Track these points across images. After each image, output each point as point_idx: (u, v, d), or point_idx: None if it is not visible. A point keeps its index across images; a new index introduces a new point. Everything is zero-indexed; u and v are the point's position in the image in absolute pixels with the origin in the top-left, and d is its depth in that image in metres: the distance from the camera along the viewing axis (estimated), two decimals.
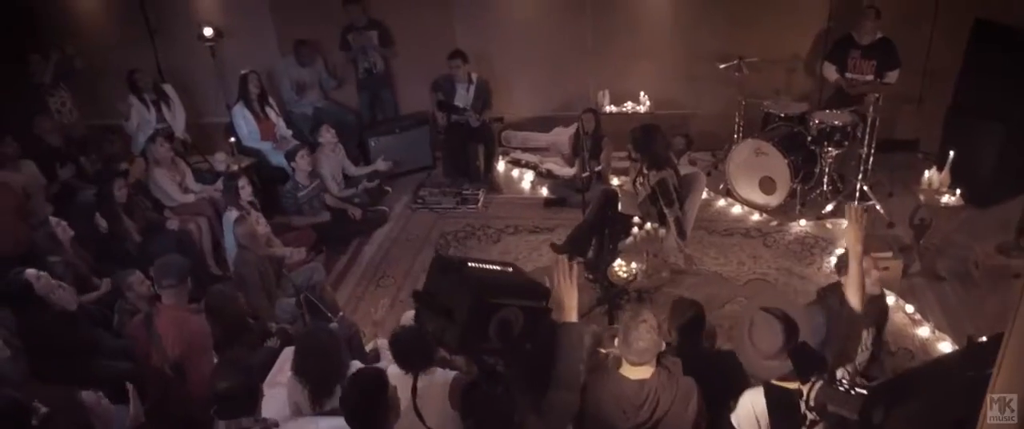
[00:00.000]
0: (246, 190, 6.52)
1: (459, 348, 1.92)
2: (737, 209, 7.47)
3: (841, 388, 2.89)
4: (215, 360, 4.51)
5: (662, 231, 5.44)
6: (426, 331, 2.08)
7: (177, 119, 7.98)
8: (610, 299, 5.27)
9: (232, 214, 6.45)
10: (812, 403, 2.91)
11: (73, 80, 8.09)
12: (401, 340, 3.79)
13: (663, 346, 3.33)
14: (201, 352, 4.36)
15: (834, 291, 4.08)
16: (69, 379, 4.42)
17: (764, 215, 7.33)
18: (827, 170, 7.19)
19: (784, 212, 7.29)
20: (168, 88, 8.00)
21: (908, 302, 5.83)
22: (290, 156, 7.29)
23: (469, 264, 2.00)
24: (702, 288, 6.10)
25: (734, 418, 3.22)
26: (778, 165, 7.07)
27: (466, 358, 4.28)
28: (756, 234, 7.07)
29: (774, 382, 3.09)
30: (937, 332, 5.55)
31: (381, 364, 4.17)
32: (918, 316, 5.72)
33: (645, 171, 5.91)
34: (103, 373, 4.82)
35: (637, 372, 3.31)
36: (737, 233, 7.08)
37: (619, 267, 5.48)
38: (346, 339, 4.94)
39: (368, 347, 5.23)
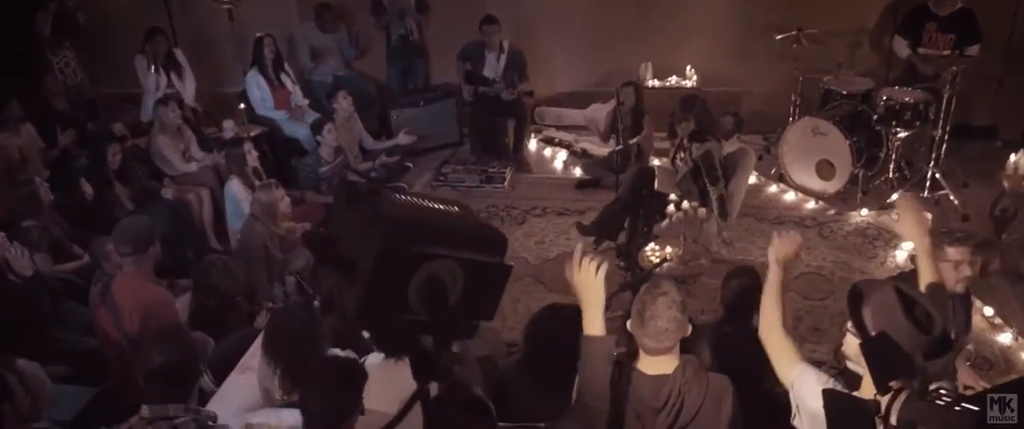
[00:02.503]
0: (252, 156, 6.00)
1: (360, 316, 1.30)
2: (790, 196, 6.73)
3: (940, 402, 2.12)
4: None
5: (702, 211, 4.74)
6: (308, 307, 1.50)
7: (187, 87, 7.48)
8: (638, 285, 4.55)
9: (234, 182, 5.95)
10: (895, 420, 2.16)
11: (77, 39, 7.64)
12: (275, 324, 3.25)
13: (688, 330, 2.66)
14: (163, 327, 3.79)
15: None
16: (22, 353, 3.92)
17: (820, 203, 6.59)
18: (894, 154, 6.42)
19: (843, 200, 6.55)
20: (179, 54, 7.50)
21: (986, 304, 5.05)
22: (317, 128, 6.73)
23: (387, 195, 1.37)
24: None
25: (797, 421, 2.54)
26: (838, 147, 6.32)
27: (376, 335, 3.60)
28: (811, 223, 6.33)
29: (836, 388, 2.39)
30: (1020, 338, 4.82)
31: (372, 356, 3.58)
32: (998, 320, 4.98)
33: (687, 143, 5.24)
34: (65, 348, 4.34)
35: (655, 365, 2.66)
36: (789, 222, 6.33)
37: (651, 251, 4.81)
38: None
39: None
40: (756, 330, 2.65)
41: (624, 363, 2.71)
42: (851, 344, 2.40)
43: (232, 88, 8.44)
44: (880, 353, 2.13)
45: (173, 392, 2.74)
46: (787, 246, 2.66)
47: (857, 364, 2.43)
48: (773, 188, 6.87)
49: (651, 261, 4.77)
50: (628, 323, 2.66)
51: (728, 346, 3.35)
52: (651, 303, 2.60)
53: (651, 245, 4.88)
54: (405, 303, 1.33)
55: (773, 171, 6.96)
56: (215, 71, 8.57)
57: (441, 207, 1.48)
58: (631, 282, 4.18)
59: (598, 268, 2.41)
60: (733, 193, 5.37)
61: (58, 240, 5.27)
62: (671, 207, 4.76)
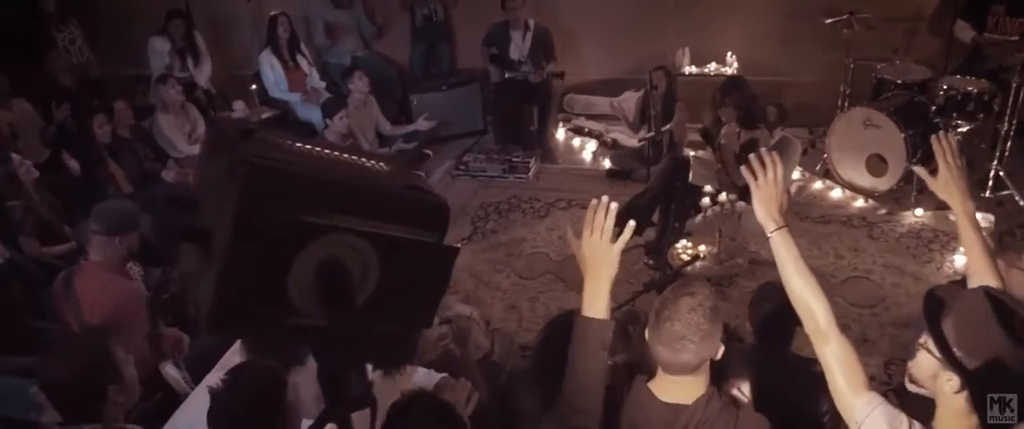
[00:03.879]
0: None
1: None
2: (837, 193, 6.19)
3: None
4: None
5: (741, 206, 4.26)
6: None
7: (202, 71, 7.14)
8: (666, 283, 4.05)
9: None
10: None
11: (85, 16, 7.34)
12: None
13: (719, 351, 2.14)
14: (128, 325, 3.39)
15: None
16: None
17: (870, 201, 6.04)
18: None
19: (895, 199, 5.99)
20: (198, 38, 7.17)
21: None
22: (328, 111, 6.33)
23: (264, 136, 0.92)
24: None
25: None
26: (892, 141, 5.77)
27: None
28: (860, 223, 5.79)
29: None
30: None
31: None
32: None
33: (736, 128, 4.77)
34: (42, 338, 3.97)
35: (672, 388, 2.15)
36: (836, 221, 5.81)
37: (682, 248, 4.33)
38: None
39: None
40: (799, 360, 2.17)
41: (623, 373, 2.24)
42: (925, 365, 1.92)
43: (251, 70, 8.11)
44: (992, 387, 1.65)
45: (79, 410, 2.31)
46: (945, 172, 2.27)
47: (929, 389, 1.95)
48: (818, 184, 6.33)
49: (682, 259, 4.29)
50: (646, 331, 2.19)
51: (766, 377, 2.84)
52: (671, 301, 2.11)
53: (683, 242, 4.40)
54: (287, 299, 0.89)
55: (819, 166, 6.43)
56: (233, 52, 8.26)
57: (351, 159, 1.02)
58: (658, 281, 3.70)
59: (617, 236, 2.00)
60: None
61: (47, 222, 4.92)
62: (706, 201, 4.27)
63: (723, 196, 4.22)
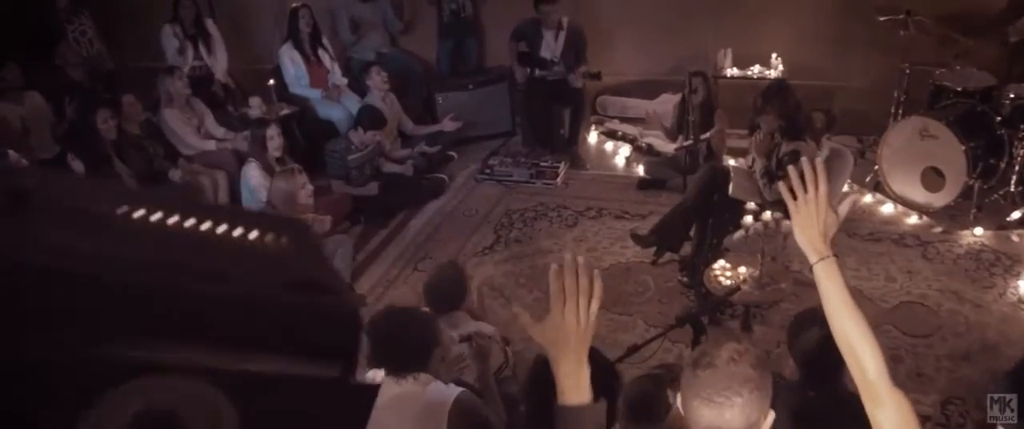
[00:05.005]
0: (275, 142, 5.34)
1: None
2: (888, 208, 5.75)
3: None
4: None
5: (787, 225, 3.87)
6: None
7: (218, 61, 6.86)
8: (702, 316, 3.66)
9: (252, 167, 5.30)
10: None
11: (98, 7, 7.11)
12: None
13: (769, 419, 1.76)
14: None
15: None
16: None
17: (925, 218, 5.59)
18: (1017, 164, 5.39)
19: (953, 216, 5.53)
20: (210, 25, 6.88)
21: None
22: (364, 121, 5.95)
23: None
24: None
25: None
26: (951, 153, 5.33)
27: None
28: (913, 242, 5.35)
29: None
30: None
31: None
32: None
33: (778, 138, 4.38)
34: None
35: None
36: (887, 239, 5.37)
37: (720, 271, 3.95)
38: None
39: None
40: (853, 400, 1.78)
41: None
42: None
43: (272, 64, 7.85)
44: None
45: None
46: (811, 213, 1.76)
47: None
48: (868, 198, 5.89)
49: (720, 283, 3.91)
50: (678, 396, 1.80)
51: (812, 421, 2.45)
52: (711, 349, 1.75)
53: (721, 262, 4.01)
54: None
55: (869, 178, 5.98)
56: (254, 45, 8.00)
57: (204, 232, 0.64)
58: (692, 313, 3.32)
59: (590, 302, 1.53)
60: None
61: None
62: (748, 219, 3.89)
63: (767, 214, 3.83)
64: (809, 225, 1.74)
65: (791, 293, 4.02)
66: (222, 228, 0.65)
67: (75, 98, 6.04)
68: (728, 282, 3.91)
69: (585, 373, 1.55)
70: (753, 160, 4.75)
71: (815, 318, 2.62)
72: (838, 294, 1.70)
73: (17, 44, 6.34)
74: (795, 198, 1.75)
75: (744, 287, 3.86)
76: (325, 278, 0.66)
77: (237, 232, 0.65)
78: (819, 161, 1.77)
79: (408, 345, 2.72)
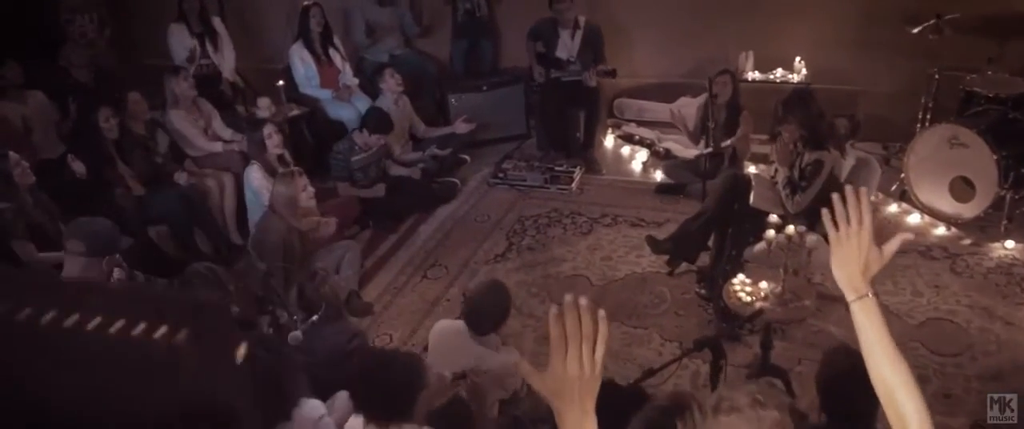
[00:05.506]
0: (273, 140, 5.21)
1: None
2: (914, 218, 5.55)
3: None
4: None
5: (812, 239, 3.67)
6: None
7: (225, 59, 6.71)
8: (721, 338, 3.48)
9: (254, 169, 5.18)
10: None
11: (114, 5, 7.01)
12: None
13: None
14: None
15: None
16: None
17: (953, 230, 5.39)
18: None
19: (982, 228, 5.33)
20: (217, 22, 6.73)
21: None
22: (370, 124, 5.80)
23: None
24: None
25: None
26: (981, 162, 5.14)
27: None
28: (941, 255, 5.14)
29: None
30: None
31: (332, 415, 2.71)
32: None
33: (800, 149, 4.19)
34: None
35: None
36: (913, 251, 5.16)
37: (740, 286, 3.77)
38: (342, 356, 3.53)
39: None
40: None
41: None
42: None
43: (282, 64, 7.71)
44: None
45: None
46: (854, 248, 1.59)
47: None
48: (893, 207, 5.69)
49: (739, 299, 3.72)
50: None
51: None
52: (731, 393, 1.66)
53: (740, 277, 3.82)
54: None
55: (894, 187, 5.77)
56: (265, 44, 7.86)
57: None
58: (712, 338, 3.14)
59: (594, 348, 1.34)
60: None
61: (39, 225, 4.52)
62: (771, 233, 3.70)
63: (791, 227, 3.65)
64: (850, 261, 1.58)
65: (813, 309, 3.83)
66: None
67: (78, 97, 5.92)
68: (748, 298, 3.72)
69: (591, 425, 1.38)
70: (775, 169, 4.56)
71: (847, 358, 2.45)
72: (877, 336, 1.54)
73: (19, 42, 6.21)
74: (837, 229, 1.58)
75: (765, 304, 3.68)
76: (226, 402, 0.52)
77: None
78: (863, 191, 1.60)
79: (391, 390, 2.59)
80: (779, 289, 3.74)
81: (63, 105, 6.04)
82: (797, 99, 4.39)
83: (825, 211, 1.64)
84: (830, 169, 4.14)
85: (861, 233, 1.57)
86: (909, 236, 4.54)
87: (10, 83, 5.69)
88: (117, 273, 3.46)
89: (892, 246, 1.62)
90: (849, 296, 1.58)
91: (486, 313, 3.44)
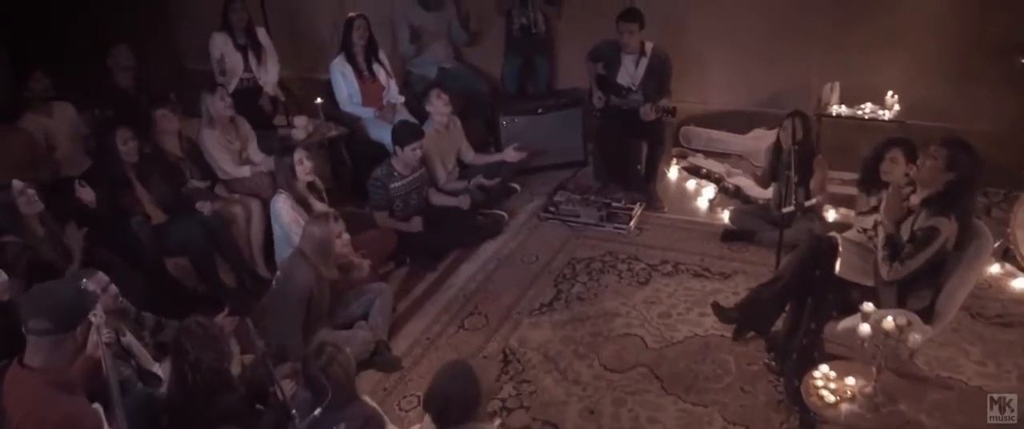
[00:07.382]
0: (304, 167, 4.79)
1: None
2: (1021, 283, 4.86)
3: None
4: None
5: (915, 338, 3.04)
6: None
7: (269, 72, 6.28)
8: None
9: (281, 200, 4.75)
10: None
11: (163, 11, 6.67)
12: None
13: None
14: None
15: None
16: None
17: None
18: None
19: None
20: (262, 34, 6.31)
21: None
22: (398, 137, 5.33)
23: None
24: (956, 415, 3.65)
25: None
26: None
27: None
28: None
29: None
30: None
31: None
32: None
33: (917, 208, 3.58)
34: None
35: None
36: (1020, 324, 4.48)
37: (823, 382, 3.19)
38: None
39: None
40: None
41: None
42: None
43: (326, 75, 7.31)
44: None
45: None
46: None
47: None
48: (995, 268, 4.99)
49: (821, 397, 3.13)
50: None
51: None
52: None
53: (823, 370, 3.23)
54: None
55: (998, 243, 5.07)
56: (312, 55, 7.46)
57: None
58: None
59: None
60: (953, 291, 3.62)
61: (48, 262, 4.14)
62: (865, 328, 3.08)
63: (890, 320, 3.04)
64: None
65: (912, 416, 3.21)
66: None
67: (109, 106, 5.58)
68: (832, 398, 3.13)
69: None
70: (874, 222, 3.93)
71: None
72: None
73: (61, 44, 5.88)
74: None
75: (852, 406, 3.09)
76: None
77: None
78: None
79: None
80: (869, 389, 3.14)
81: (94, 116, 5.71)
82: (963, 145, 3.67)
83: None
84: (943, 243, 3.50)
85: None
86: (928, 330, 3.88)
87: (36, 95, 5.35)
88: (105, 336, 3.02)
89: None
90: None
91: (453, 402, 2.90)
